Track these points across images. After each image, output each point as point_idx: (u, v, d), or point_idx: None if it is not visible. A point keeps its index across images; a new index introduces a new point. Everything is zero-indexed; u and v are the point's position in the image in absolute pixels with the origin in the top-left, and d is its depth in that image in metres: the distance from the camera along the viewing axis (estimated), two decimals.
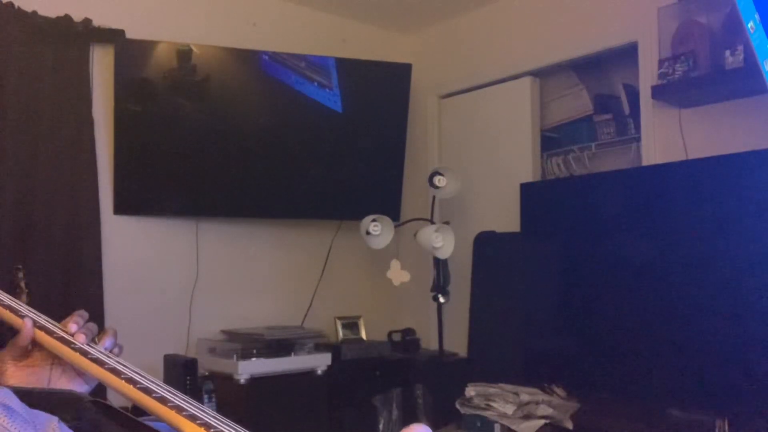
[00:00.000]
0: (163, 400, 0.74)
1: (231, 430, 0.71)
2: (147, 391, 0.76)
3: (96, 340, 0.91)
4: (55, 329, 0.89)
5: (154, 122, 3.03)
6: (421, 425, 0.61)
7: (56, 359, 0.88)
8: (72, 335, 0.88)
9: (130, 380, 0.78)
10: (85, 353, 0.85)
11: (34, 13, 2.76)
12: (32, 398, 0.74)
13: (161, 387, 0.77)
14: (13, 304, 0.90)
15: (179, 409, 0.72)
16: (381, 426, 3.01)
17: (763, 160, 2.33)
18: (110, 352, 0.90)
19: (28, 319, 0.87)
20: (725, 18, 2.56)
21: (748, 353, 2.30)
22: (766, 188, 2.31)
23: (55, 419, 0.70)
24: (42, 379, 0.89)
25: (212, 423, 0.70)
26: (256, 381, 2.80)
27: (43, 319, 0.91)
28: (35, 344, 0.89)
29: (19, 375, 0.88)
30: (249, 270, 3.39)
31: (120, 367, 0.82)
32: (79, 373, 0.89)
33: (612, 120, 3.30)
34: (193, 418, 0.71)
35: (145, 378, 0.80)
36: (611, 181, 2.91)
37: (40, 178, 2.76)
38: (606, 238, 2.80)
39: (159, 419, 0.74)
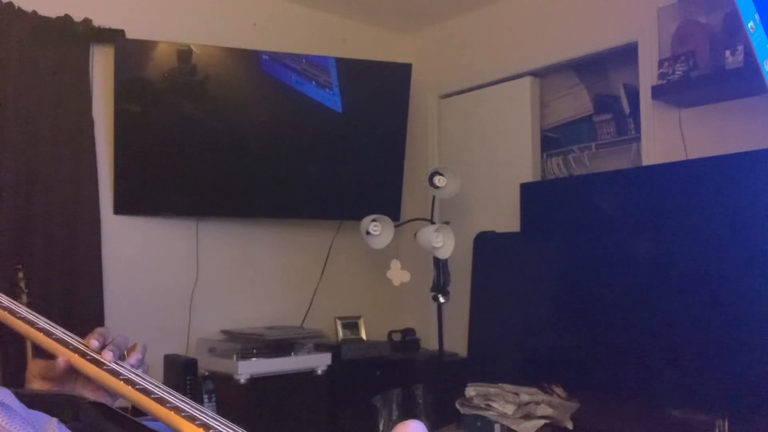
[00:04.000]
0: (161, 401, 0.73)
1: (230, 430, 0.71)
2: (146, 392, 0.76)
3: (126, 354, 0.90)
4: (64, 336, 0.89)
5: (154, 122, 3.04)
6: (416, 422, 0.61)
7: (80, 375, 0.88)
8: (99, 352, 0.87)
9: (129, 381, 0.78)
10: (83, 354, 0.85)
11: (34, 13, 2.76)
12: (31, 399, 0.74)
13: (160, 388, 0.77)
14: (48, 327, 0.90)
15: (178, 410, 0.72)
16: (381, 426, 3.01)
17: (763, 160, 2.33)
18: (137, 368, 0.89)
19: (63, 359, 0.86)
20: (725, 18, 2.56)
21: (748, 353, 2.30)
22: (766, 188, 2.31)
23: (54, 420, 0.70)
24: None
25: (211, 424, 0.70)
26: (256, 381, 2.80)
27: (48, 325, 0.90)
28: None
29: (46, 389, 0.88)
30: (249, 270, 3.39)
31: (119, 369, 0.82)
32: (104, 387, 0.88)
33: (612, 120, 3.30)
34: (192, 418, 0.71)
35: (144, 379, 0.80)
36: (611, 181, 2.91)
37: (40, 179, 2.76)
38: (606, 238, 2.80)
39: (158, 420, 0.74)
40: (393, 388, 3.10)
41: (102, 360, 0.84)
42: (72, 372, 0.87)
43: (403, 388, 3.12)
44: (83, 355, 0.85)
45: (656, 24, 2.83)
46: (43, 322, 0.90)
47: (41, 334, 0.88)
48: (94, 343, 0.87)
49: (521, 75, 3.48)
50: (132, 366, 0.87)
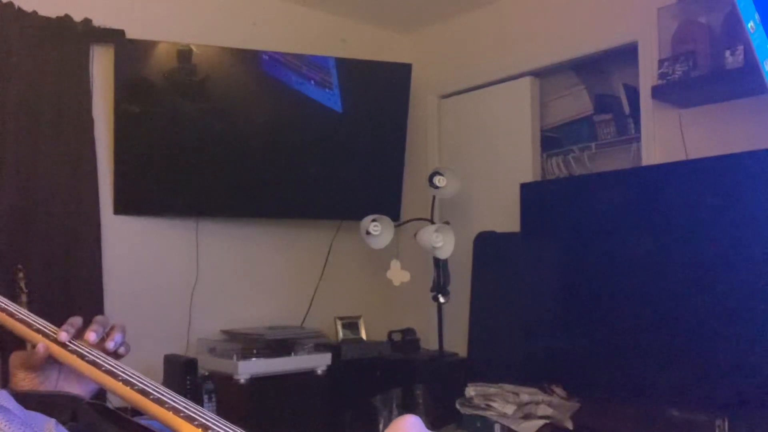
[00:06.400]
0: (160, 402, 0.73)
1: (228, 430, 0.71)
2: (144, 392, 0.76)
3: (105, 336, 0.91)
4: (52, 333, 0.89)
5: (154, 122, 3.04)
6: (413, 416, 0.61)
7: (63, 365, 0.89)
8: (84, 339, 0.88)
9: (127, 382, 0.78)
10: (81, 356, 0.85)
11: (34, 13, 2.76)
12: (29, 400, 0.74)
13: (158, 389, 0.77)
14: (27, 318, 0.91)
15: (176, 411, 0.72)
16: (381, 426, 3.01)
17: (763, 160, 2.33)
18: (118, 349, 0.90)
19: (42, 345, 0.87)
20: (725, 18, 2.56)
21: (748, 353, 2.30)
22: (766, 188, 2.31)
23: (52, 421, 0.70)
24: (50, 382, 0.90)
25: (209, 424, 0.70)
26: (256, 381, 2.80)
27: (41, 322, 0.91)
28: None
29: (29, 379, 0.89)
30: (249, 270, 3.39)
31: (117, 370, 0.82)
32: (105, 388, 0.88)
33: (612, 120, 3.30)
34: (190, 419, 0.71)
35: (142, 380, 0.80)
36: (611, 181, 2.91)
37: (40, 178, 2.76)
38: (606, 238, 2.80)
39: (156, 421, 0.74)
40: (393, 388, 3.09)
41: (99, 362, 0.84)
42: (54, 362, 0.88)
43: (403, 388, 3.11)
44: (81, 356, 0.85)
45: (656, 24, 2.83)
46: (40, 323, 0.91)
47: (39, 335, 0.88)
48: (63, 335, 0.87)
49: (521, 75, 3.48)
50: (115, 343, 0.88)
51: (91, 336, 0.88)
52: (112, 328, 0.92)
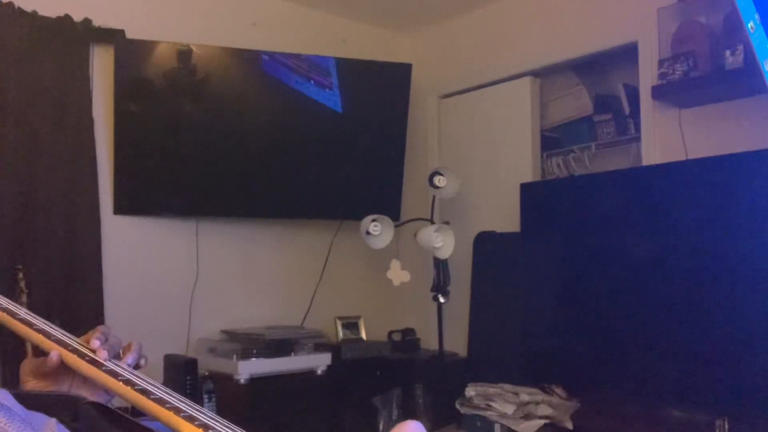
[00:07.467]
0: (161, 402, 0.73)
1: (228, 430, 0.71)
2: (145, 392, 0.76)
3: (121, 354, 0.90)
4: (63, 337, 0.88)
5: (154, 122, 3.04)
6: (415, 422, 0.61)
7: (76, 372, 0.87)
8: (94, 351, 0.86)
9: (128, 382, 0.78)
10: (82, 355, 0.84)
11: (34, 13, 2.76)
12: (30, 400, 0.74)
13: (159, 389, 0.77)
14: (46, 328, 0.89)
15: (177, 411, 0.72)
16: (381, 426, 3.01)
17: (763, 160, 2.33)
18: (134, 367, 0.89)
19: (55, 353, 0.85)
20: (725, 18, 2.56)
21: (748, 353, 2.30)
22: (766, 188, 2.31)
23: (53, 420, 0.70)
24: (61, 390, 0.88)
25: (210, 424, 0.70)
26: (256, 381, 2.80)
27: (47, 326, 0.90)
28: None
29: (41, 387, 0.88)
30: (249, 270, 3.39)
31: (118, 369, 0.82)
32: (103, 387, 0.87)
33: (612, 120, 3.30)
34: (191, 419, 0.71)
35: (143, 380, 0.80)
36: (611, 181, 2.91)
37: (40, 178, 2.76)
38: (606, 238, 2.80)
39: (157, 421, 0.74)
40: (393, 388, 3.10)
41: (100, 360, 0.84)
42: (66, 369, 0.87)
43: (403, 388, 3.11)
44: (82, 356, 0.85)
45: (656, 24, 2.83)
46: (41, 323, 0.90)
47: (40, 335, 0.88)
48: (96, 343, 0.86)
49: (521, 75, 3.48)
50: (129, 365, 0.87)
51: (96, 344, 0.87)
52: (129, 346, 0.91)
